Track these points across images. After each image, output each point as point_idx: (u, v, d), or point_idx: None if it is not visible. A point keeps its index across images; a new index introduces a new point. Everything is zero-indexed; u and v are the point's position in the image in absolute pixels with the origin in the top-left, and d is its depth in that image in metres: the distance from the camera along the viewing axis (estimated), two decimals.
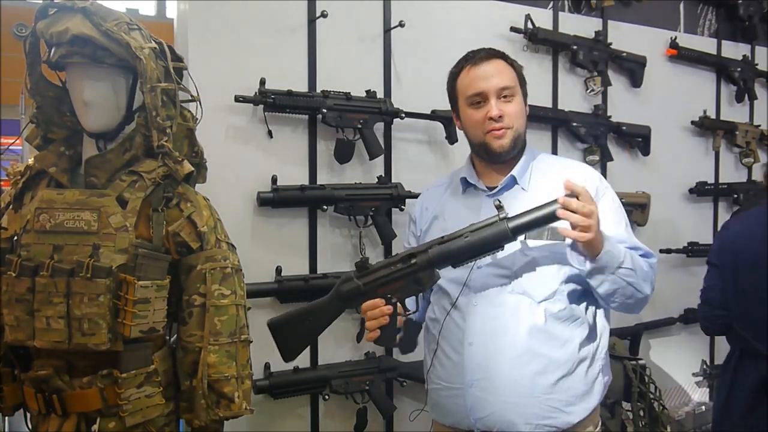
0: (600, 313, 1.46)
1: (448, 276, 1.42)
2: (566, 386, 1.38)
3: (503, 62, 1.47)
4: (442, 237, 1.34)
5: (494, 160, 1.48)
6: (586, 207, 1.24)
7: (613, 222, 1.42)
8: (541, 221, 1.28)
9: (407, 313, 1.41)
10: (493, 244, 1.30)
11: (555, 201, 1.26)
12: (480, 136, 1.46)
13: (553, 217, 1.26)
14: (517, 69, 1.49)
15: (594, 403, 1.42)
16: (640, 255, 1.41)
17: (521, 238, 1.35)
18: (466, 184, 1.53)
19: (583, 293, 1.41)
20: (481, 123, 1.44)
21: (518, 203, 1.42)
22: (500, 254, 1.37)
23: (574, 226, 1.24)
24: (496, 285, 1.40)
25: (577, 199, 1.24)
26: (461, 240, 1.31)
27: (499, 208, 1.28)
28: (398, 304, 1.36)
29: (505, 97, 1.43)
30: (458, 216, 1.48)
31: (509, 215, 1.28)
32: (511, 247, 1.36)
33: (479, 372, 1.38)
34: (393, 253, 2.18)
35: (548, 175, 1.47)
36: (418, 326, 1.59)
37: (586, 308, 1.42)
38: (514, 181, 1.47)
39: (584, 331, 1.40)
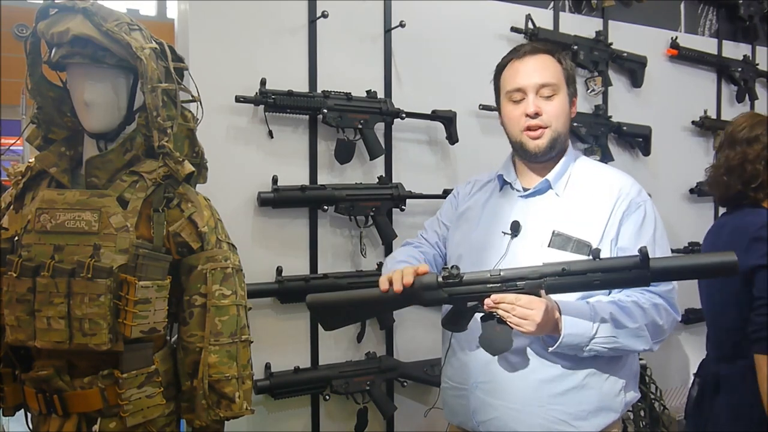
0: None
1: None
2: (576, 399, 1.31)
3: (550, 58, 1.40)
4: (563, 269, 1.20)
5: (531, 160, 1.43)
6: (518, 310, 1.20)
7: (633, 242, 1.34)
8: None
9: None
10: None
11: None
12: (517, 133, 1.41)
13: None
14: (566, 66, 1.42)
15: (609, 420, 1.34)
16: (654, 291, 1.31)
17: (548, 246, 1.32)
18: (502, 181, 1.49)
19: None
20: (518, 120, 1.39)
21: (549, 210, 1.38)
22: (521, 262, 1.31)
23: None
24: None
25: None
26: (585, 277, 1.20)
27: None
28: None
29: (545, 94, 1.37)
30: (484, 218, 1.46)
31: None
32: (533, 257, 1.32)
33: (483, 374, 1.37)
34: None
35: (585, 183, 1.41)
36: None
37: None
38: (548, 186, 1.42)
39: None
